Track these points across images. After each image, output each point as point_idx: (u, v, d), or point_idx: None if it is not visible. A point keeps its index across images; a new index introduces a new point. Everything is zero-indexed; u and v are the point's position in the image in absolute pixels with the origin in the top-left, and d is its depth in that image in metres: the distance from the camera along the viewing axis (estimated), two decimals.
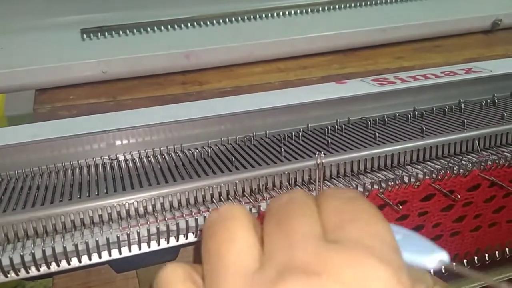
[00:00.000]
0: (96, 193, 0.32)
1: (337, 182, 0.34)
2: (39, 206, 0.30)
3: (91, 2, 0.70)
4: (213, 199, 0.32)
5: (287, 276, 0.15)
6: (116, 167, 0.36)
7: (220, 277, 0.17)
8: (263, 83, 0.59)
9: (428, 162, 0.37)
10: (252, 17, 0.70)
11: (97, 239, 0.28)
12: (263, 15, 0.71)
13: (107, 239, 0.28)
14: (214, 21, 0.69)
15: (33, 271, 0.28)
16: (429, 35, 0.71)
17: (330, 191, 0.20)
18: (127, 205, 0.31)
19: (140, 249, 0.30)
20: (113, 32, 0.65)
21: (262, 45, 0.64)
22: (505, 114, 0.40)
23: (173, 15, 0.69)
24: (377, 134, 0.38)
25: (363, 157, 0.35)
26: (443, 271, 0.17)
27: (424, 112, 0.43)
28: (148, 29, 0.66)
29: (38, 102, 0.56)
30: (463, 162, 0.35)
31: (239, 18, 0.70)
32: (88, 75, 0.58)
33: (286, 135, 0.40)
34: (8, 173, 0.35)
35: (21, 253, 0.27)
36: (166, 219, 0.30)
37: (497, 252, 0.38)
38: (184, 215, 0.31)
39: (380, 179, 0.33)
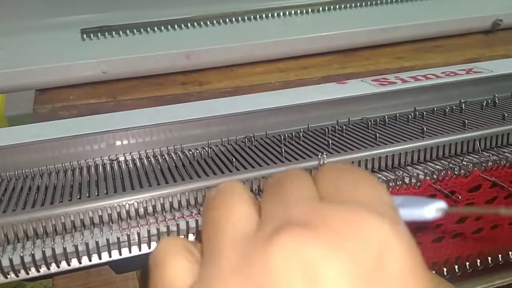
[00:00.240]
0: (96, 193, 0.32)
1: None
2: (39, 206, 0.30)
3: (91, 2, 0.70)
4: None
5: (283, 230, 0.15)
6: (116, 167, 0.36)
7: (218, 243, 0.17)
8: (263, 83, 0.59)
9: (429, 163, 0.37)
10: (252, 17, 0.70)
11: (97, 240, 0.28)
12: (264, 15, 0.71)
13: (107, 240, 0.28)
14: (215, 21, 0.69)
15: (33, 272, 0.28)
16: (429, 35, 0.71)
17: (326, 165, 0.20)
18: (127, 206, 0.31)
19: (140, 250, 0.30)
20: (113, 32, 0.65)
21: (263, 45, 0.64)
22: (506, 115, 0.40)
23: (174, 15, 0.68)
24: (377, 134, 0.38)
25: (363, 158, 0.35)
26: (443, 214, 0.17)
27: (424, 113, 0.43)
28: (149, 29, 0.66)
29: (38, 102, 0.55)
30: (464, 162, 0.35)
31: (240, 18, 0.70)
32: (88, 75, 0.58)
33: (286, 135, 0.40)
34: (8, 174, 0.35)
35: (21, 254, 0.27)
36: (167, 219, 0.30)
37: (500, 255, 0.38)
38: (185, 216, 0.30)
39: (380, 180, 0.33)
